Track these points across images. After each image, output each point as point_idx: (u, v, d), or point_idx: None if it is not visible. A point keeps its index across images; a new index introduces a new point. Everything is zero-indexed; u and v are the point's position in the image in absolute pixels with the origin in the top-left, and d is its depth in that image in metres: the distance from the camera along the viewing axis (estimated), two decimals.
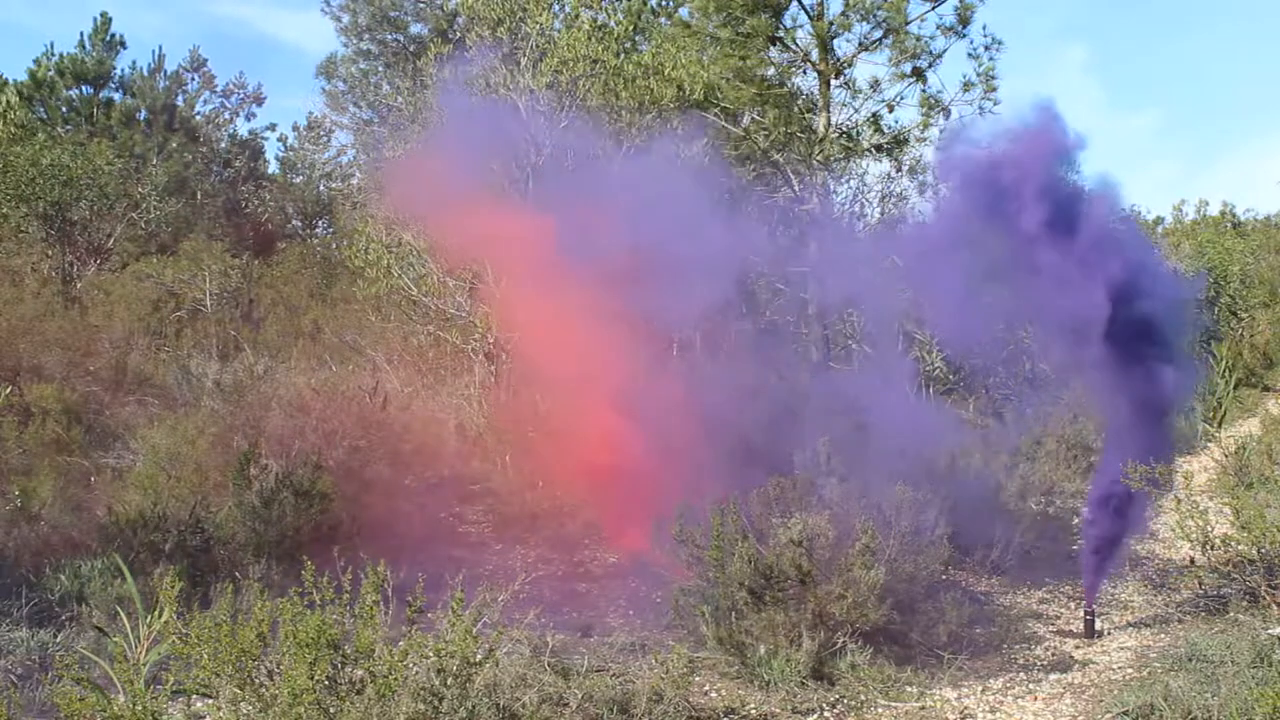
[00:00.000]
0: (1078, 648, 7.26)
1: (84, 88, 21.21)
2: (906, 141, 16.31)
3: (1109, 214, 7.90)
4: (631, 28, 15.22)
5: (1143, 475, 6.58)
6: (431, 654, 4.51)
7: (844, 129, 15.68)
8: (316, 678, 4.19)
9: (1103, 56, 68.44)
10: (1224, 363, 15.75)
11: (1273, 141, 60.51)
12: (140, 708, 4.23)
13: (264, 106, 24.30)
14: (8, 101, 16.96)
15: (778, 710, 5.89)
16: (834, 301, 12.75)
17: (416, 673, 4.55)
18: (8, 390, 8.75)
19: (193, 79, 22.76)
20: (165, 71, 22.04)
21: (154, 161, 17.74)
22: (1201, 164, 60.65)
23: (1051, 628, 7.69)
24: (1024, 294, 7.78)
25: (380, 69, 23.29)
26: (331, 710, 4.23)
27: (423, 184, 9.24)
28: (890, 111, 15.86)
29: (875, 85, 15.58)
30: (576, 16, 13.61)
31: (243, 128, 24.22)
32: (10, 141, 15.25)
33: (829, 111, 15.56)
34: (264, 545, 6.88)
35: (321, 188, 23.76)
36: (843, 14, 14.93)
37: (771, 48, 15.26)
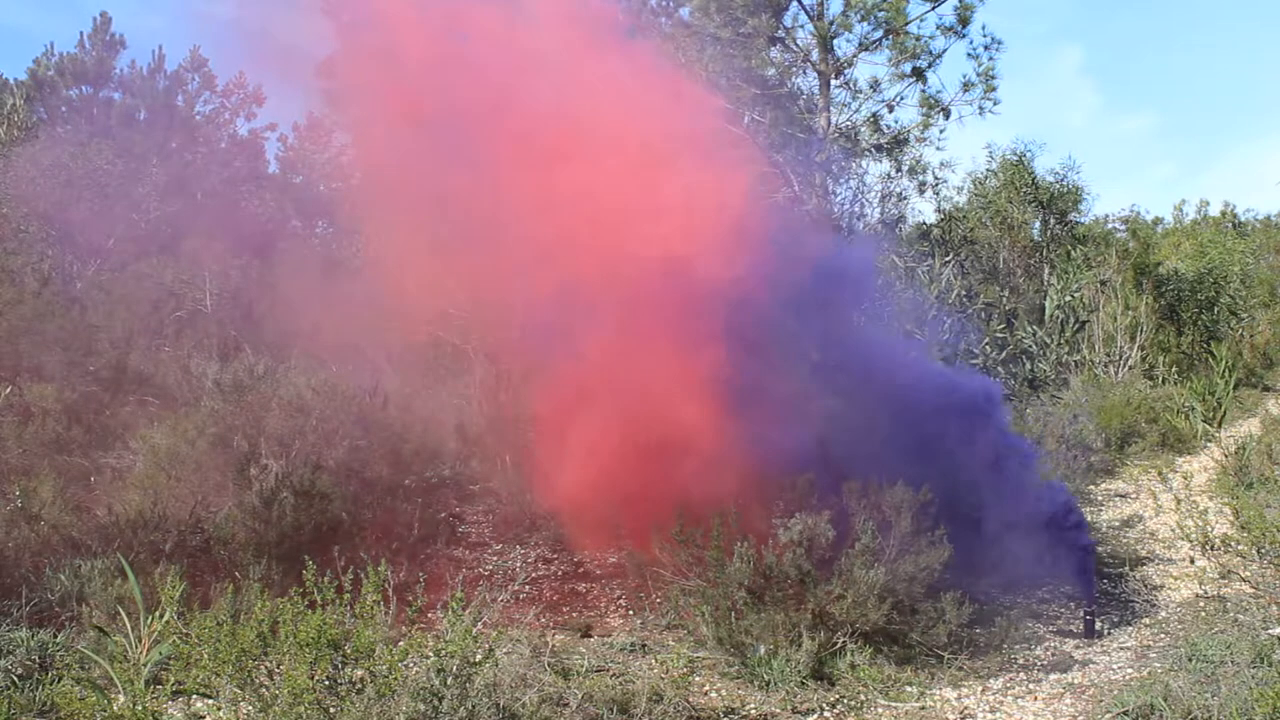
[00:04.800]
0: (1078, 648, 7.26)
1: (84, 88, 21.22)
2: (906, 141, 16.34)
3: None
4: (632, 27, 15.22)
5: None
6: (431, 654, 4.51)
7: (844, 129, 15.70)
8: (316, 678, 4.19)
9: (1099, 59, 68.56)
10: (1224, 363, 15.74)
11: (1273, 141, 60.58)
12: (140, 708, 4.24)
13: (264, 106, 24.17)
14: (13, 104, 16.99)
15: (778, 710, 5.89)
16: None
17: (416, 673, 4.55)
18: (8, 390, 8.75)
19: (193, 79, 22.75)
20: (165, 71, 22.04)
21: (154, 161, 17.74)
22: (1199, 165, 60.76)
23: (1051, 628, 7.69)
24: None
25: None
26: (331, 710, 4.23)
27: None
28: (890, 111, 15.89)
29: (875, 85, 15.61)
30: None
31: (243, 128, 24.19)
32: (12, 142, 15.28)
33: (829, 111, 15.57)
34: (264, 545, 6.87)
35: (322, 187, 23.73)
36: (843, 14, 14.94)
37: (772, 48, 15.29)
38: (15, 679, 5.24)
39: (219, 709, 4.34)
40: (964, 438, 7.89)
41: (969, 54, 15.53)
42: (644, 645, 6.78)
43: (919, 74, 15.34)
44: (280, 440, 7.74)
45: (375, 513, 7.83)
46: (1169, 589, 8.53)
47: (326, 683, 4.24)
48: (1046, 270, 20.14)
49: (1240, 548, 6.44)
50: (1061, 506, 8.17)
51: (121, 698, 4.62)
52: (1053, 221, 21.04)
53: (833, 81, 15.47)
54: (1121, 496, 11.84)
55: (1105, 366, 16.99)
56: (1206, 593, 7.93)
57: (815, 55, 15.35)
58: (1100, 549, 9.55)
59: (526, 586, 7.69)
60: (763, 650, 6.28)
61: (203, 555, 6.95)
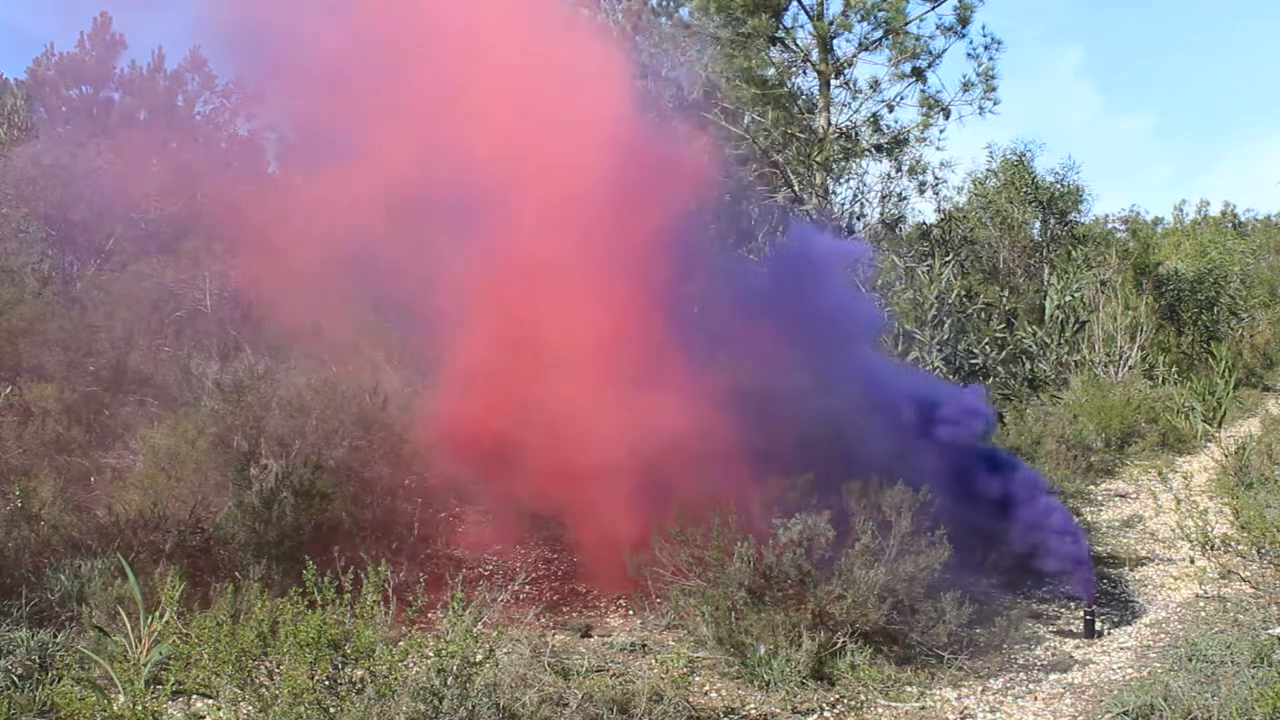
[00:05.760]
0: (1078, 648, 7.26)
1: (84, 88, 21.20)
2: (906, 141, 16.34)
3: None
4: (631, 27, 15.23)
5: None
6: (431, 654, 4.51)
7: (844, 129, 15.70)
8: (316, 678, 4.19)
9: (1098, 59, 68.64)
10: (1224, 363, 15.74)
11: (1273, 141, 60.64)
12: (140, 708, 4.24)
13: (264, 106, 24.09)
14: (13, 103, 17.02)
15: (778, 710, 5.89)
16: None
17: (416, 673, 4.55)
18: (8, 390, 8.75)
19: (193, 79, 22.72)
20: (165, 71, 22.01)
21: (154, 161, 17.73)
22: (1199, 165, 60.83)
23: (1051, 628, 7.70)
24: None
25: None
26: (331, 710, 4.23)
27: None
28: (890, 111, 15.89)
29: (875, 85, 15.61)
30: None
31: (242, 128, 24.14)
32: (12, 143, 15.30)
33: (829, 111, 15.57)
34: (264, 545, 6.87)
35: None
36: (843, 14, 14.94)
37: (772, 48, 15.29)
38: (15, 679, 5.24)
39: (219, 709, 4.34)
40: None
41: (969, 54, 15.56)
42: (644, 645, 6.78)
43: (919, 74, 15.34)
44: (280, 440, 7.74)
45: (375, 513, 7.82)
46: (1169, 589, 8.53)
47: (326, 683, 4.24)
48: (1046, 270, 20.15)
49: (1240, 548, 6.43)
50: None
51: (121, 698, 4.62)
52: (1053, 221, 21.06)
53: (833, 81, 15.47)
54: (1121, 496, 11.84)
55: (1105, 366, 16.99)
56: (1206, 593, 7.93)
57: (815, 55, 15.35)
58: (1100, 549, 9.56)
59: (526, 586, 7.68)
60: (763, 650, 6.28)
61: (203, 555, 6.94)
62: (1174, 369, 17.28)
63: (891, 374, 8.79)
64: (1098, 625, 7.54)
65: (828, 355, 7.85)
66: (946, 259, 16.37)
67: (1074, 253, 19.51)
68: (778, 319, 7.83)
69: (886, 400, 7.99)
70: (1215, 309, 20.62)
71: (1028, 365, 16.38)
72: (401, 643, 4.58)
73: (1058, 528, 7.92)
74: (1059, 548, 7.86)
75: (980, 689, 6.39)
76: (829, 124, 15.45)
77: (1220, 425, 14.62)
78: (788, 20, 15.25)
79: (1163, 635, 7.32)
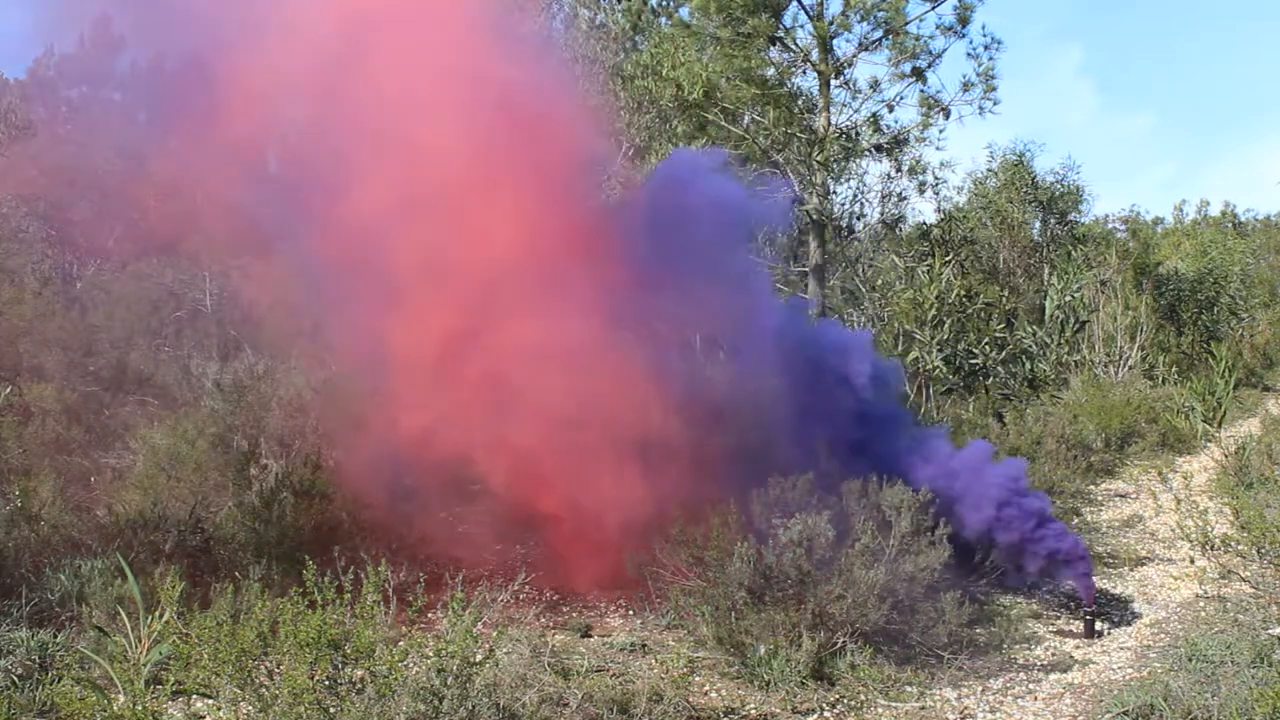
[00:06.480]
0: (1078, 648, 7.26)
1: (84, 88, 21.20)
2: (906, 141, 16.34)
3: None
4: (631, 27, 15.23)
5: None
6: (431, 654, 4.51)
7: (844, 129, 15.69)
8: (316, 678, 4.19)
9: (1098, 59, 68.68)
10: (1224, 363, 15.75)
11: (1273, 141, 60.69)
12: (140, 708, 4.24)
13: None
14: (11, 102, 17.03)
15: (778, 710, 5.89)
16: None
17: (416, 673, 4.55)
18: (8, 390, 8.75)
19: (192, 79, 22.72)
20: (165, 71, 22.01)
21: (154, 161, 17.74)
22: (1199, 165, 60.88)
23: (1051, 628, 7.70)
24: None
25: None
26: (331, 710, 4.23)
27: None
28: (890, 111, 15.88)
29: (875, 85, 15.60)
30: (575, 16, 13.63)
31: None
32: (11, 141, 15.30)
33: (829, 111, 15.57)
34: (264, 545, 6.88)
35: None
36: (842, 14, 14.93)
37: (772, 48, 15.28)
38: (15, 679, 5.24)
39: (219, 709, 4.34)
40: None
41: (969, 54, 15.54)
42: (644, 645, 6.78)
43: (919, 74, 15.34)
44: (280, 440, 7.74)
45: (375, 513, 7.82)
46: (1169, 589, 8.53)
47: (326, 683, 4.24)
48: (1046, 270, 20.15)
49: (1240, 548, 6.43)
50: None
51: (121, 698, 4.63)
52: (1053, 221, 21.07)
53: (833, 81, 15.47)
54: (1121, 496, 11.84)
55: (1105, 366, 16.99)
56: (1206, 593, 7.92)
57: (815, 55, 15.34)
58: (1100, 549, 9.56)
59: (526, 586, 7.68)
60: (763, 650, 6.28)
61: (203, 555, 6.95)
62: (1174, 369, 17.29)
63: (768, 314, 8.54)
64: (1098, 625, 7.54)
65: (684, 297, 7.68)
66: (946, 259, 16.37)
67: (1074, 253, 19.51)
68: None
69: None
70: (1215, 309, 20.64)
71: (1028, 365, 16.38)
72: (401, 643, 4.59)
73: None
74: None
75: (980, 689, 6.39)
76: (829, 124, 15.45)
77: (1220, 425, 14.63)
78: (788, 20, 15.24)
79: (1163, 635, 7.33)
